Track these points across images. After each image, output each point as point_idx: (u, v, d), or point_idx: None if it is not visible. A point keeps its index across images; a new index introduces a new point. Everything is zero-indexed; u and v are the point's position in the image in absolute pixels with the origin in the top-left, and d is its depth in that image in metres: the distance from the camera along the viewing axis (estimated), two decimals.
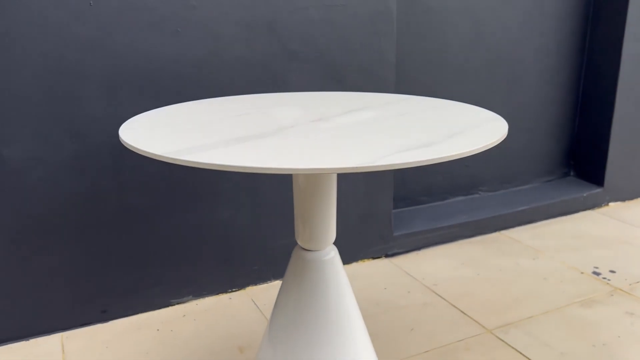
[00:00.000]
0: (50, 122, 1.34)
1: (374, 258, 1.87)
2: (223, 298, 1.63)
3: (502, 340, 1.42)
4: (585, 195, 2.26)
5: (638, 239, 2.02)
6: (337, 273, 1.09)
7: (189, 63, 1.45)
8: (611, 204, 2.35)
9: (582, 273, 1.77)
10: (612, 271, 1.79)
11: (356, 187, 1.77)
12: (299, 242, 1.08)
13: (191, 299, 1.62)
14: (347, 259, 1.82)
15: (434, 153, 0.76)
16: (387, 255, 1.89)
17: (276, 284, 1.71)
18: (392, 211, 1.86)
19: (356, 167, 0.71)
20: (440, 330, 1.47)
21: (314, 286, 1.06)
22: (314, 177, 1.01)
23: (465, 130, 0.91)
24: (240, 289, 1.67)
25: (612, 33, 2.17)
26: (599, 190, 2.29)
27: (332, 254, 1.09)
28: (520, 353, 1.37)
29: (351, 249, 1.82)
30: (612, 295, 1.64)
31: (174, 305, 1.59)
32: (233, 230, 1.61)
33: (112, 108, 1.39)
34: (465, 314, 1.55)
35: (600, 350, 1.37)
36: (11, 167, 1.33)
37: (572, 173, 2.46)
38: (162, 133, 0.90)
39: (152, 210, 1.50)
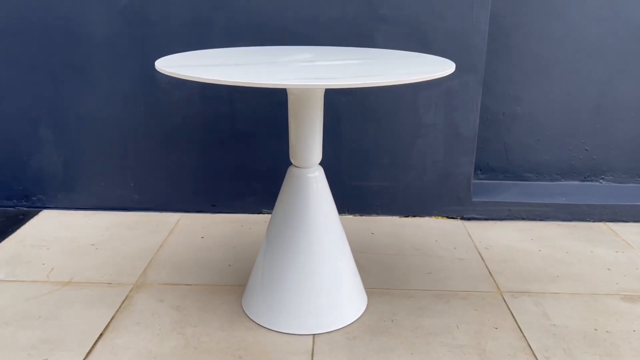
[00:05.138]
0: None
1: (448, 217, 1.99)
2: None
3: (505, 302, 1.47)
4: None
5: None
6: (320, 188, 1.35)
7: (294, 22, 1.81)
8: None
9: None
10: None
11: (434, 147, 1.91)
12: (292, 162, 1.36)
13: None
14: (420, 212, 1.98)
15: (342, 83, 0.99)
16: (462, 218, 1.98)
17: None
18: (472, 176, 1.94)
19: (290, 84, 0.98)
20: (454, 280, 1.58)
21: (299, 195, 1.34)
22: (301, 105, 1.28)
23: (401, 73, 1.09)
24: None
25: None
26: None
27: (317, 173, 1.35)
28: (513, 316, 1.41)
29: (426, 204, 1.98)
30: None
31: (264, 213, 2.02)
32: None
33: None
34: (491, 274, 1.61)
35: (606, 347, 1.33)
36: (161, 87, 1.90)
37: None
38: (197, 62, 1.29)
39: (252, 137, 1.93)
